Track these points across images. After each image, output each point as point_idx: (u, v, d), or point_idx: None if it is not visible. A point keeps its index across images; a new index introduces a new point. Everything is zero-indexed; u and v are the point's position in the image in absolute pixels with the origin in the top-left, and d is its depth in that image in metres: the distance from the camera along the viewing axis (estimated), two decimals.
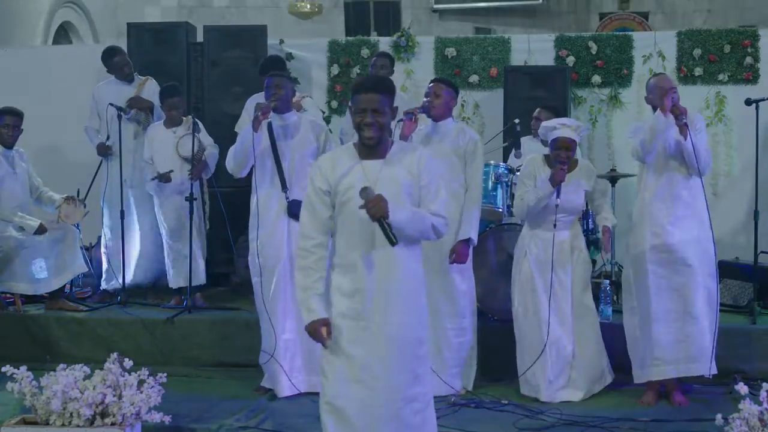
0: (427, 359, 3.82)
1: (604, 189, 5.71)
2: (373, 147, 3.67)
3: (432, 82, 5.59)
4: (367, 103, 3.61)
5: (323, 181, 3.68)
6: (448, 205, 3.88)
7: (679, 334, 5.19)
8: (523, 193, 5.42)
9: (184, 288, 6.63)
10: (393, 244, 3.52)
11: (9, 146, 6.57)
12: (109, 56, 7.05)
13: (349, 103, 3.79)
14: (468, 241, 5.42)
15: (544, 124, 5.51)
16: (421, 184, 3.68)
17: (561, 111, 6.96)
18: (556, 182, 5.24)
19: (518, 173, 6.25)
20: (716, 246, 5.24)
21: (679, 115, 5.01)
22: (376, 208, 3.47)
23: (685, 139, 5.03)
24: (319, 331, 3.62)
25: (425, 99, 5.51)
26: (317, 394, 4.83)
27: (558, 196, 5.26)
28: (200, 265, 6.64)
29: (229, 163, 5.43)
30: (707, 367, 5.18)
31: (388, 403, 3.63)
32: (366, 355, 3.63)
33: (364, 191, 3.51)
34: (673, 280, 5.20)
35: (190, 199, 6.36)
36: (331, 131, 6.49)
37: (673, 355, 5.20)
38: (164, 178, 6.56)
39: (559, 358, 5.36)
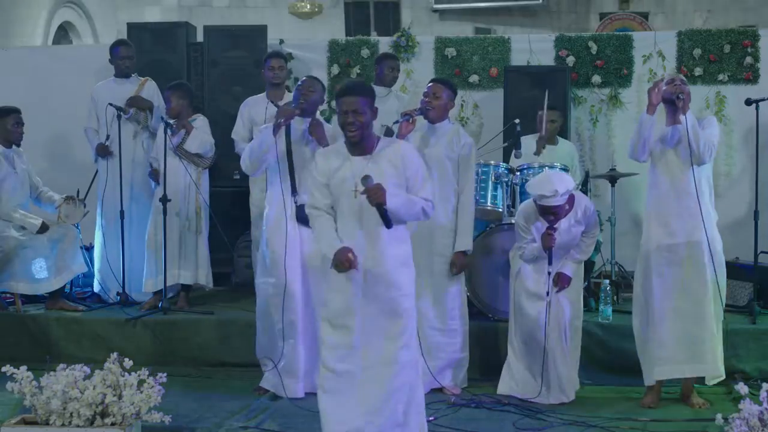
0: (413, 330, 4.18)
1: (593, 232, 5.43)
2: (357, 144, 4.13)
3: (431, 82, 5.55)
4: (348, 106, 4.08)
5: (322, 174, 4.19)
6: (434, 195, 4.41)
7: (685, 334, 5.10)
8: (518, 248, 5.39)
9: (185, 286, 6.66)
10: (389, 227, 4.02)
11: (18, 144, 6.59)
12: (115, 46, 7.02)
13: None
14: (465, 251, 5.45)
15: (530, 184, 5.37)
16: (406, 174, 4.15)
17: (563, 111, 6.97)
18: (545, 247, 5.20)
19: (518, 173, 6.26)
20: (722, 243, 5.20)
21: (679, 94, 4.92)
22: (376, 195, 3.96)
23: (681, 120, 4.93)
24: (346, 255, 4.01)
25: (424, 99, 5.45)
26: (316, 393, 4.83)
27: (550, 262, 5.22)
28: (196, 265, 6.65)
29: (245, 162, 5.27)
30: (714, 368, 5.13)
31: (377, 369, 4.07)
32: (359, 324, 4.08)
33: (365, 179, 3.97)
34: (680, 280, 5.11)
35: (164, 200, 6.35)
36: None
37: (679, 355, 5.12)
38: (153, 174, 6.67)
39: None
